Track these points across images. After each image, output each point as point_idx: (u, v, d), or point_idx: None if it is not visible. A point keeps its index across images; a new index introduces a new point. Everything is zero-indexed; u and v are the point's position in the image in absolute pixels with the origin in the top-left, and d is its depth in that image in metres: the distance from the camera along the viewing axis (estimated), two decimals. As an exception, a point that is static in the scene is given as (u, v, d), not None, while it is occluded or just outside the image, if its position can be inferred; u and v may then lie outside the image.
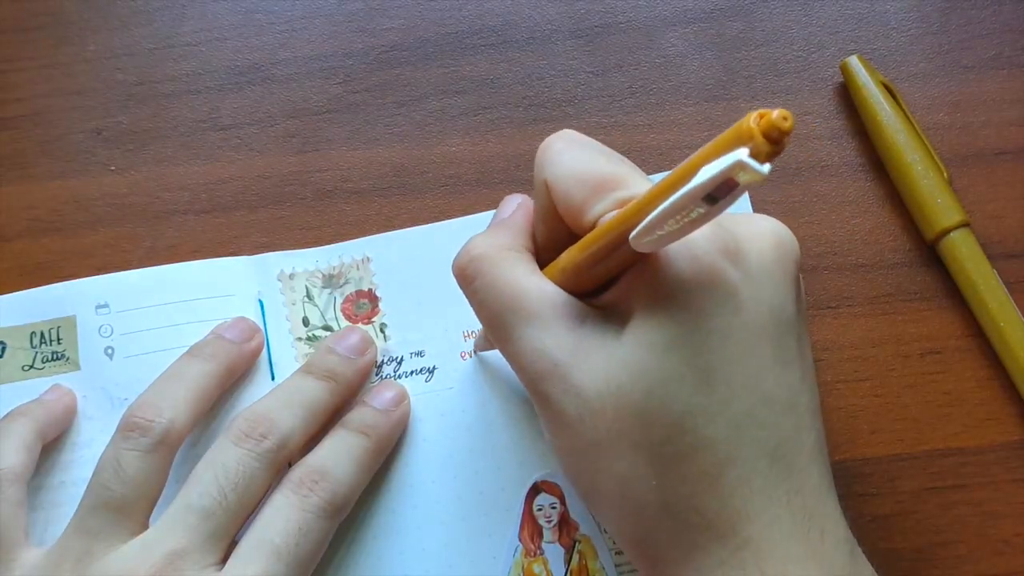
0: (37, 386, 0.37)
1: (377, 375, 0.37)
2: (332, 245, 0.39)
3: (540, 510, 0.35)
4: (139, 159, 0.42)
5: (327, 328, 0.38)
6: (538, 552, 0.35)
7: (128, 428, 0.32)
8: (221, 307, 0.38)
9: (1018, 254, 0.38)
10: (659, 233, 0.23)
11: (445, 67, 0.43)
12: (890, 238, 0.39)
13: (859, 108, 0.40)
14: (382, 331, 0.38)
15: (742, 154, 0.20)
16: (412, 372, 0.37)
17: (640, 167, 0.40)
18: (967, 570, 0.35)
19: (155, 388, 0.34)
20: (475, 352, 0.37)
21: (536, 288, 0.28)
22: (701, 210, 0.22)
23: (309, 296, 0.38)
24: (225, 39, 0.44)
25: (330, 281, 0.38)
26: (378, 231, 0.39)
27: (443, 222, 0.39)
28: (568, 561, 0.35)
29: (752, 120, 0.20)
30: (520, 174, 0.41)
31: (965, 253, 0.37)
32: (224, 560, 0.31)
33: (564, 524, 0.35)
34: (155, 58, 0.44)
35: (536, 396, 0.28)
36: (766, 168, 0.19)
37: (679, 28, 0.42)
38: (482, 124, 0.41)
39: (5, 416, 0.35)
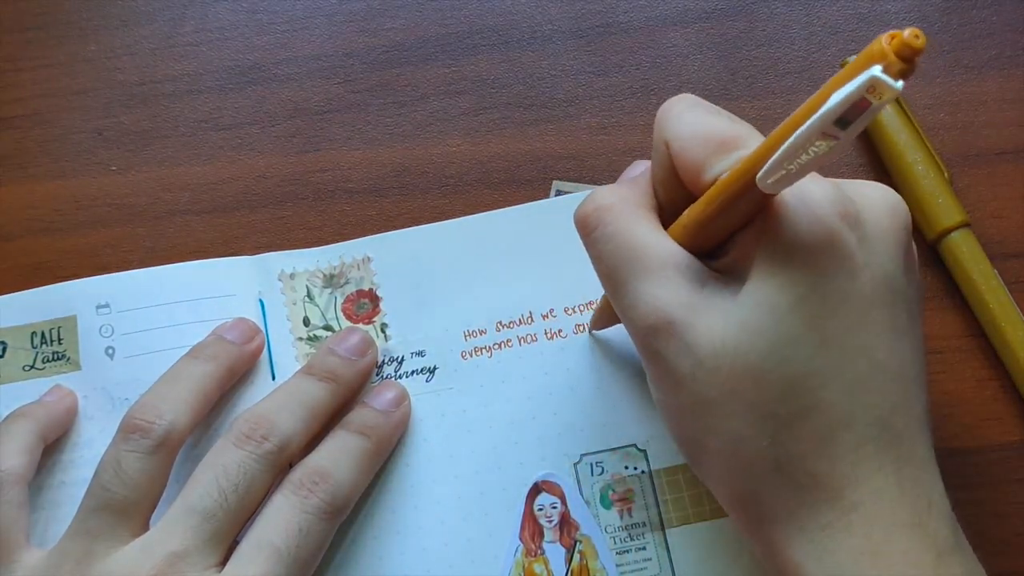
0: (38, 386, 0.37)
1: (378, 375, 0.37)
2: (333, 245, 0.39)
3: (541, 510, 0.35)
4: (140, 159, 0.42)
5: (328, 328, 0.38)
6: (539, 552, 0.35)
7: (129, 430, 0.32)
8: (222, 307, 0.38)
9: (1019, 254, 0.38)
10: (788, 168, 0.23)
11: (446, 67, 0.43)
12: (891, 238, 0.39)
13: (860, 108, 0.39)
14: (383, 331, 0.38)
15: (875, 70, 0.20)
16: (413, 372, 0.37)
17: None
18: (967, 570, 0.35)
19: (156, 389, 0.34)
20: (590, 330, 0.37)
21: (658, 244, 0.28)
22: (830, 141, 0.22)
23: (310, 296, 0.38)
24: (226, 39, 0.44)
25: (331, 281, 0.38)
26: (379, 231, 0.39)
27: (444, 222, 0.39)
28: (569, 561, 0.35)
29: (884, 41, 0.20)
30: (520, 174, 0.41)
31: (966, 253, 0.37)
32: (225, 561, 0.31)
33: (565, 524, 0.35)
34: (156, 58, 0.44)
35: (647, 352, 0.28)
36: (900, 84, 0.19)
37: (680, 28, 0.42)
38: (482, 124, 0.41)
39: (6, 418, 0.35)
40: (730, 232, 0.27)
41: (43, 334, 0.38)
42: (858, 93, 0.20)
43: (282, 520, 0.32)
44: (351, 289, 0.38)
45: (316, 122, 0.42)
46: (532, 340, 0.37)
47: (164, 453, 0.33)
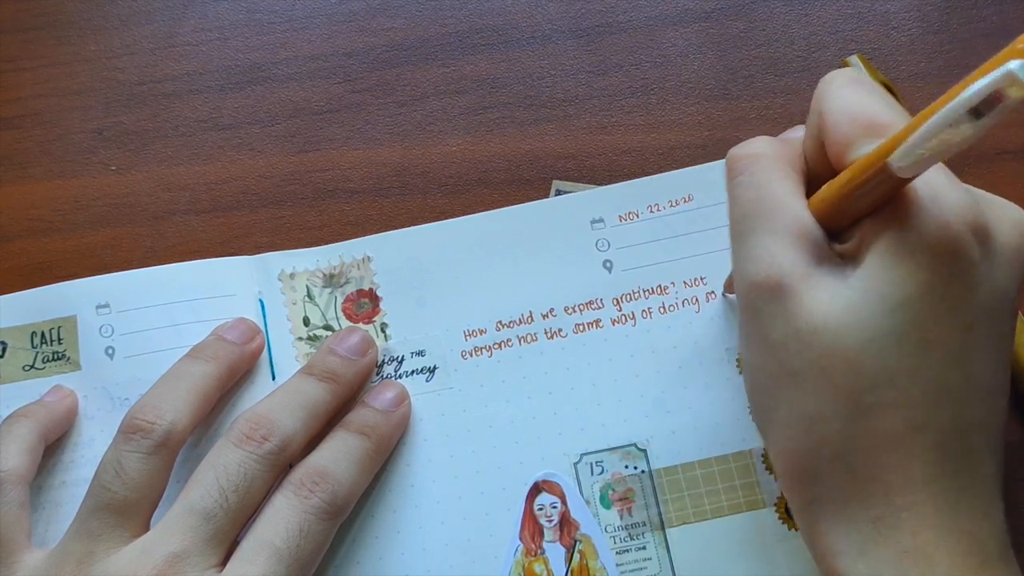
0: (38, 386, 0.37)
1: (378, 374, 0.37)
2: (333, 245, 0.39)
3: (541, 510, 0.35)
4: (140, 159, 0.42)
5: (328, 328, 0.38)
6: (539, 551, 0.35)
7: (129, 430, 0.32)
8: (222, 307, 0.38)
9: (1018, 254, 0.38)
10: (920, 152, 0.23)
11: (446, 67, 0.43)
12: (890, 238, 0.39)
13: (860, 108, 0.39)
14: (383, 330, 0.38)
15: (1013, 65, 0.20)
16: (413, 372, 0.37)
17: (640, 167, 0.40)
18: (967, 570, 0.35)
19: (156, 390, 0.34)
20: (724, 293, 0.37)
21: (795, 206, 0.28)
22: (965, 127, 0.22)
23: (310, 296, 0.38)
24: (226, 39, 0.44)
25: (331, 281, 0.38)
26: (378, 231, 0.39)
27: (444, 222, 0.39)
28: (569, 560, 0.35)
29: (1022, 41, 0.20)
30: (520, 174, 0.41)
31: (966, 253, 0.37)
32: (225, 562, 0.31)
33: (565, 524, 0.35)
34: (156, 58, 0.44)
35: (748, 307, 0.28)
36: None
37: (680, 28, 0.42)
38: (482, 124, 0.41)
39: (7, 418, 0.35)
40: (861, 214, 0.27)
41: (43, 334, 0.38)
42: (993, 86, 0.21)
43: (282, 520, 0.32)
44: (351, 289, 0.38)
45: (316, 122, 0.42)
46: (532, 340, 0.37)
47: (165, 453, 0.33)
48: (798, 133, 0.31)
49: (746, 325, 0.28)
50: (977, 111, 0.21)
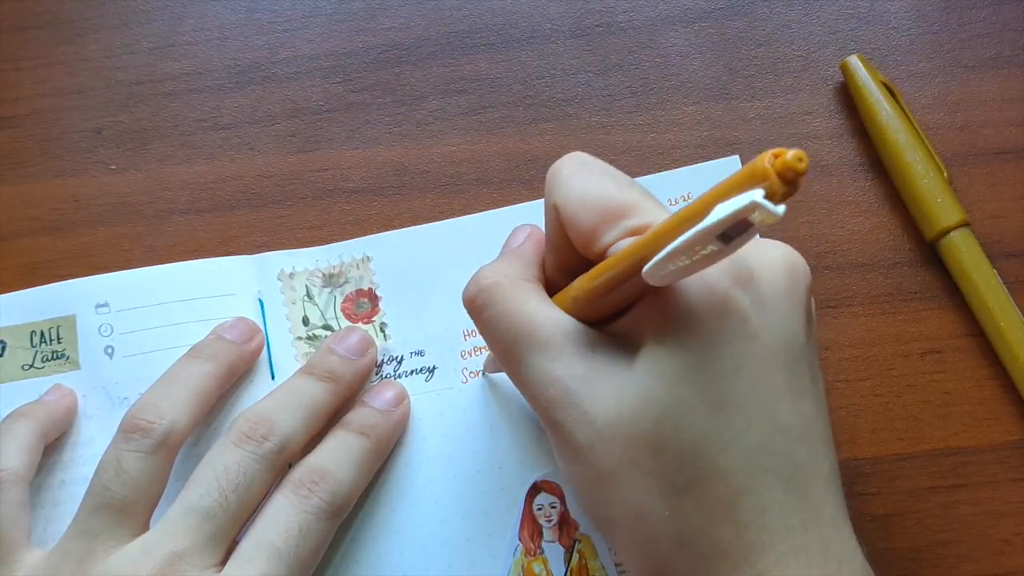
0: (37, 385, 0.37)
1: (377, 374, 0.37)
2: (332, 244, 0.39)
3: (540, 510, 0.35)
4: (139, 158, 0.42)
5: (327, 327, 0.38)
6: (538, 551, 0.35)
7: (129, 429, 0.32)
8: (221, 306, 0.38)
9: (1018, 253, 0.38)
10: (672, 268, 0.23)
11: (445, 66, 0.43)
12: (890, 238, 0.39)
13: (859, 108, 0.40)
14: (382, 330, 0.38)
15: (756, 195, 0.19)
16: (412, 371, 0.37)
17: (640, 167, 0.40)
18: (967, 569, 0.35)
19: (156, 389, 0.34)
20: (484, 373, 0.37)
21: (547, 317, 0.27)
22: (715, 248, 0.21)
23: (309, 295, 0.38)
24: (225, 38, 0.44)
25: (330, 280, 0.38)
26: (378, 230, 0.39)
27: (443, 221, 0.39)
28: (568, 560, 0.35)
29: (767, 160, 0.20)
30: (520, 174, 0.41)
31: (965, 253, 0.37)
32: (225, 561, 0.31)
33: (564, 523, 0.35)
34: (155, 57, 0.44)
35: (548, 424, 0.28)
36: (781, 209, 0.19)
37: (679, 28, 0.42)
38: (482, 124, 0.41)
39: (6, 417, 0.35)
40: (620, 307, 0.27)
41: (42, 333, 0.38)
42: (737, 216, 0.20)
43: (282, 520, 0.32)
44: (350, 288, 0.38)
45: (315, 121, 0.42)
46: (532, 340, 0.37)
47: (164, 453, 0.33)
48: (520, 237, 0.31)
49: (554, 440, 0.28)
50: (726, 236, 0.21)
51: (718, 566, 0.25)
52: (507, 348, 0.28)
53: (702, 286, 0.25)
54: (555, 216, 0.28)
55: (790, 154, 0.20)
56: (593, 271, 0.27)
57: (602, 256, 0.27)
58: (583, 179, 0.28)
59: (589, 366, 0.26)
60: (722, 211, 0.20)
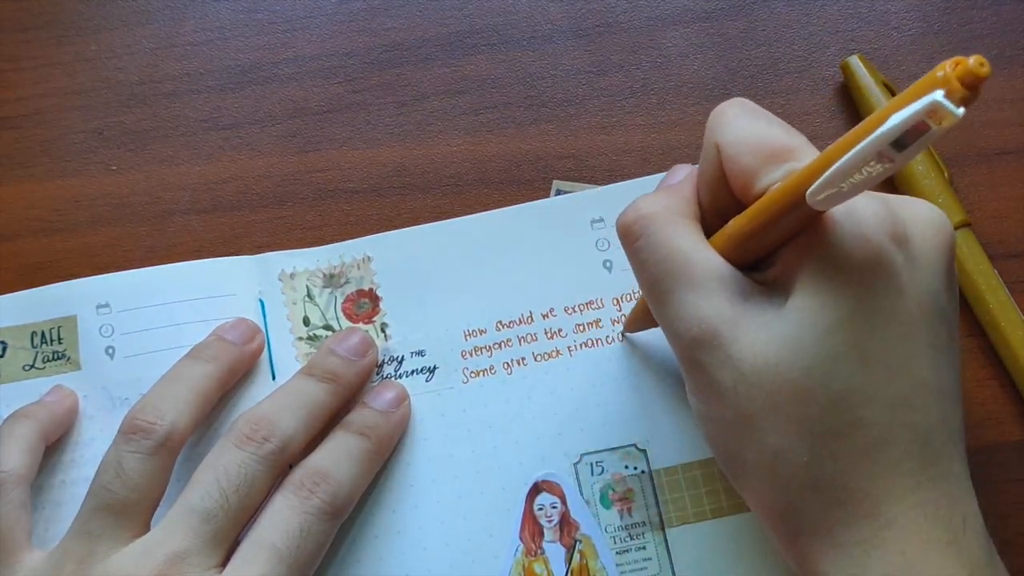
0: (38, 386, 0.37)
1: (378, 374, 0.37)
2: (333, 244, 0.39)
3: (541, 510, 0.35)
4: (140, 159, 0.42)
5: (328, 328, 0.38)
6: (539, 552, 0.35)
7: (130, 430, 0.32)
8: (222, 307, 0.38)
9: (1019, 254, 0.38)
10: (840, 187, 0.23)
11: (446, 67, 0.43)
12: (890, 238, 0.39)
13: (860, 108, 0.39)
14: (383, 330, 0.38)
15: (937, 95, 0.19)
16: (413, 372, 0.37)
17: (640, 167, 0.40)
18: (967, 570, 0.35)
19: (157, 390, 0.34)
20: (624, 333, 0.37)
21: (702, 256, 0.27)
22: (885, 163, 0.21)
23: (310, 296, 0.38)
24: (226, 39, 0.44)
25: (331, 280, 0.38)
26: (379, 231, 0.39)
27: (444, 221, 0.39)
28: (569, 561, 0.35)
29: (948, 67, 0.20)
30: (520, 174, 0.41)
31: (966, 253, 0.37)
32: (225, 562, 0.31)
33: (565, 524, 0.35)
34: (156, 57, 0.44)
35: (688, 363, 0.28)
36: (961, 111, 0.19)
37: (680, 28, 0.42)
38: (482, 124, 0.41)
39: (8, 418, 0.35)
40: (775, 246, 0.27)
41: (43, 334, 0.38)
42: (918, 116, 0.20)
43: (283, 521, 0.32)
44: (351, 289, 0.38)
45: (316, 122, 0.42)
46: (532, 340, 0.37)
47: (165, 454, 0.33)
48: (680, 175, 0.31)
49: (691, 380, 0.28)
50: (900, 142, 0.21)
51: (847, 511, 0.26)
52: (656, 281, 0.28)
53: (858, 238, 0.25)
54: (715, 156, 0.28)
55: (971, 60, 0.19)
56: (751, 209, 0.27)
57: (759, 199, 0.27)
58: (750, 120, 0.28)
59: (739, 310, 0.27)
60: (900, 115, 0.20)
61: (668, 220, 0.28)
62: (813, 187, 0.23)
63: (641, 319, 0.35)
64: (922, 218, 0.27)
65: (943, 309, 0.27)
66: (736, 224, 0.27)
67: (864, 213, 0.26)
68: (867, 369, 0.25)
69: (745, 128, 0.28)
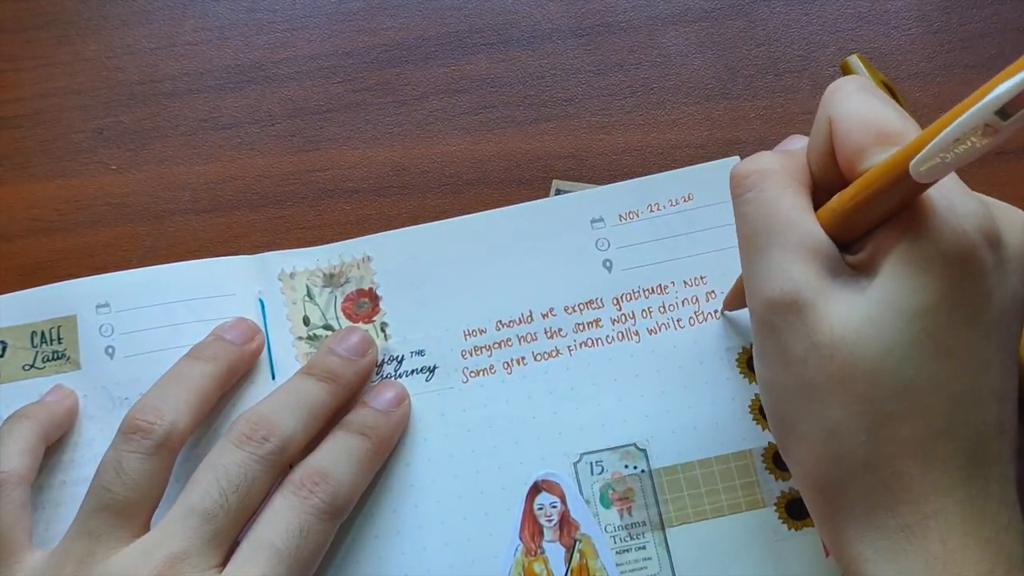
0: (38, 385, 0.37)
1: (378, 374, 0.37)
2: (333, 244, 0.39)
3: (541, 509, 0.35)
4: (140, 158, 0.42)
5: (328, 327, 0.38)
6: (539, 551, 0.35)
7: (130, 430, 0.32)
8: (222, 306, 0.38)
9: (1018, 254, 0.38)
10: (943, 157, 0.23)
11: (445, 66, 0.43)
12: (890, 238, 0.39)
13: (860, 107, 0.39)
14: (383, 330, 0.38)
15: None
16: (412, 371, 0.37)
17: (640, 167, 0.40)
18: (967, 569, 0.35)
19: (156, 390, 0.34)
20: (723, 311, 0.37)
21: (804, 222, 0.28)
22: (989, 134, 0.22)
23: (310, 295, 0.38)
24: (226, 38, 0.44)
25: (331, 280, 0.38)
26: (378, 230, 0.39)
27: (443, 221, 0.39)
28: (569, 560, 0.35)
29: None
30: (520, 174, 0.41)
31: (966, 253, 0.37)
32: (225, 562, 0.31)
33: (565, 523, 0.35)
34: (156, 57, 0.44)
35: (764, 324, 0.28)
36: None
37: (679, 27, 0.42)
38: (482, 124, 0.41)
39: (8, 419, 0.35)
40: (875, 224, 0.27)
41: (43, 333, 0.38)
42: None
43: (282, 521, 0.32)
44: (351, 288, 0.38)
45: (316, 121, 0.42)
46: (532, 339, 0.37)
47: (165, 454, 0.33)
48: (798, 143, 0.31)
49: (763, 342, 0.28)
50: (1004, 112, 0.21)
51: (894, 495, 0.26)
52: (754, 235, 0.28)
53: (954, 232, 0.26)
54: (826, 129, 0.28)
55: None
56: (856, 183, 0.27)
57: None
58: (866, 97, 0.28)
59: (825, 283, 0.27)
60: (1007, 84, 0.21)
61: (783, 180, 0.29)
62: (917, 157, 0.23)
63: (740, 297, 0.35)
64: (1014, 222, 0.27)
65: (1020, 313, 0.27)
66: (839, 199, 0.27)
67: (965, 209, 0.26)
68: (941, 361, 0.26)
69: (860, 105, 0.28)
